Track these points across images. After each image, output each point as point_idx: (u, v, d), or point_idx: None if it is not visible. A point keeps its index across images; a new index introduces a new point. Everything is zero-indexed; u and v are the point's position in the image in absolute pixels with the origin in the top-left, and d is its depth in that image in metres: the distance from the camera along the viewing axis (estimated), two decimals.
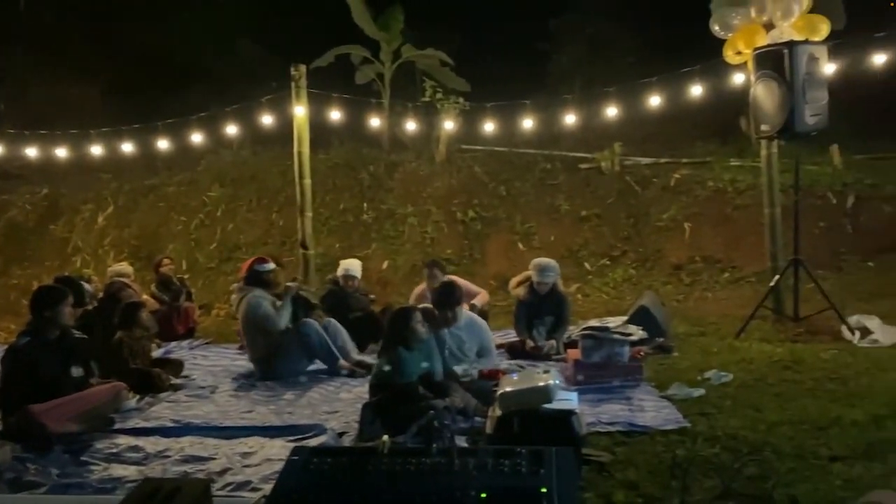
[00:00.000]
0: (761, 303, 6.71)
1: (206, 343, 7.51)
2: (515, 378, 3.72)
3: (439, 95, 11.11)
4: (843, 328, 6.26)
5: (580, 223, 10.22)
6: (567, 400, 3.56)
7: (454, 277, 7.04)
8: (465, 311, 5.62)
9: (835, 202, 9.52)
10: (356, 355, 6.17)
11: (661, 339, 6.22)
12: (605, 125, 10.75)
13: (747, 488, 3.40)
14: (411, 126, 10.64)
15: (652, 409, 4.64)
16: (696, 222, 9.73)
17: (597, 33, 14.08)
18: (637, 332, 5.58)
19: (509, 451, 2.41)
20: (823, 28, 6.60)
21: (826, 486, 3.37)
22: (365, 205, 10.66)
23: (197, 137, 9.48)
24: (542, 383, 3.50)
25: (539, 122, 10.56)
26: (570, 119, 10.41)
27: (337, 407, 5.03)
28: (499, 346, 6.20)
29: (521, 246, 9.94)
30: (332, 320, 6.27)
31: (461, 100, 11.12)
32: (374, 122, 10.82)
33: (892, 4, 7.37)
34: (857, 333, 6.14)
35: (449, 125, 11.00)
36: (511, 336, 6.60)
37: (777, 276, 6.81)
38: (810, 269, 6.70)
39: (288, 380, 5.82)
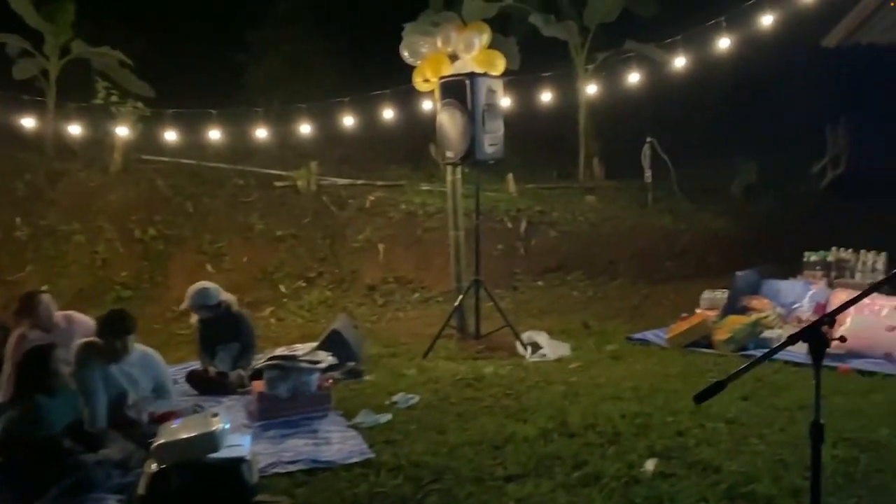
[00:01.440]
0: (446, 322, 6.93)
1: None
2: (177, 425, 3.21)
3: (114, 98, 9.95)
4: (518, 344, 6.69)
5: (275, 243, 9.81)
6: (237, 446, 3.15)
7: (72, 312, 5.74)
8: (136, 343, 4.86)
9: (510, 226, 10.35)
10: None
11: (353, 364, 6.08)
12: (301, 143, 10.55)
13: None
14: (79, 130, 9.35)
15: (338, 441, 4.42)
16: (390, 243, 9.90)
17: (294, 50, 13.84)
18: (326, 359, 5.36)
19: None
20: (500, 64, 7.09)
21: None
22: (18, 219, 9.05)
23: None
24: (206, 429, 3.05)
25: (231, 136, 10.00)
26: (263, 134, 10.04)
27: None
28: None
29: (209, 268, 9.21)
30: None
31: (140, 104, 10.07)
32: (33, 123, 9.33)
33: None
34: (529, 349, 6.59)
35: (124, 131, 9.88)
36: (196, 366, 5.98)
37: (460, 296, 7.11)
38: (489, 289, 7.11)
39: None
